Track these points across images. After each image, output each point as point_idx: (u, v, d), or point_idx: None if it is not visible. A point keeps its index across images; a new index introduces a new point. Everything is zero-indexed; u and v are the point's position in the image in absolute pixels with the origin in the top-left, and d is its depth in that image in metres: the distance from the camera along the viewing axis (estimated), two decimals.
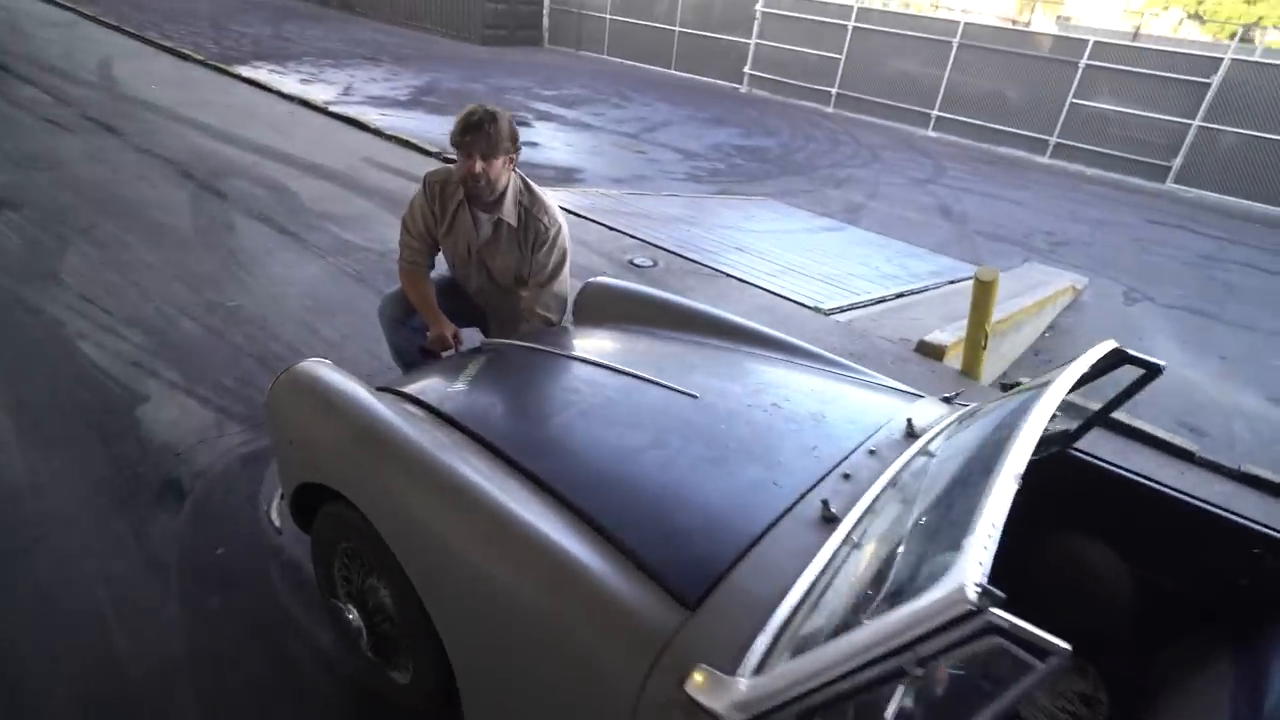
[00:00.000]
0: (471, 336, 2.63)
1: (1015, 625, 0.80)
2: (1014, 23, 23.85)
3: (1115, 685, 1.70)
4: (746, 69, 15.26)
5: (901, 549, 1.21)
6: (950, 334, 4.34)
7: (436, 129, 8.49)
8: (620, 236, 5.28)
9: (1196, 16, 28.78)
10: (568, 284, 2.54)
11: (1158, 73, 11.40)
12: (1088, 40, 11.89)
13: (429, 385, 1.90)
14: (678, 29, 15.99)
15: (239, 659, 1.89)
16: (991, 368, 4.41)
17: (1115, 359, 1.61)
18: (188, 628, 1.96)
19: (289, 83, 9.43)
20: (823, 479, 1.49)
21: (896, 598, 1.02)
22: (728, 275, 4.93)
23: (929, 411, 1.83)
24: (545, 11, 17.94)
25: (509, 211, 2.38)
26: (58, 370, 2.94)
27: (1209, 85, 11.01)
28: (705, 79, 15.95)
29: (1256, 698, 1.31)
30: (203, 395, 2.90)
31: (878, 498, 1.39)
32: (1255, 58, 11.15)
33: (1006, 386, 4.02)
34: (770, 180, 9.44)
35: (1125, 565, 1.71)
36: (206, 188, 5.03)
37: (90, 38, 10.38)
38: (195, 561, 2.17)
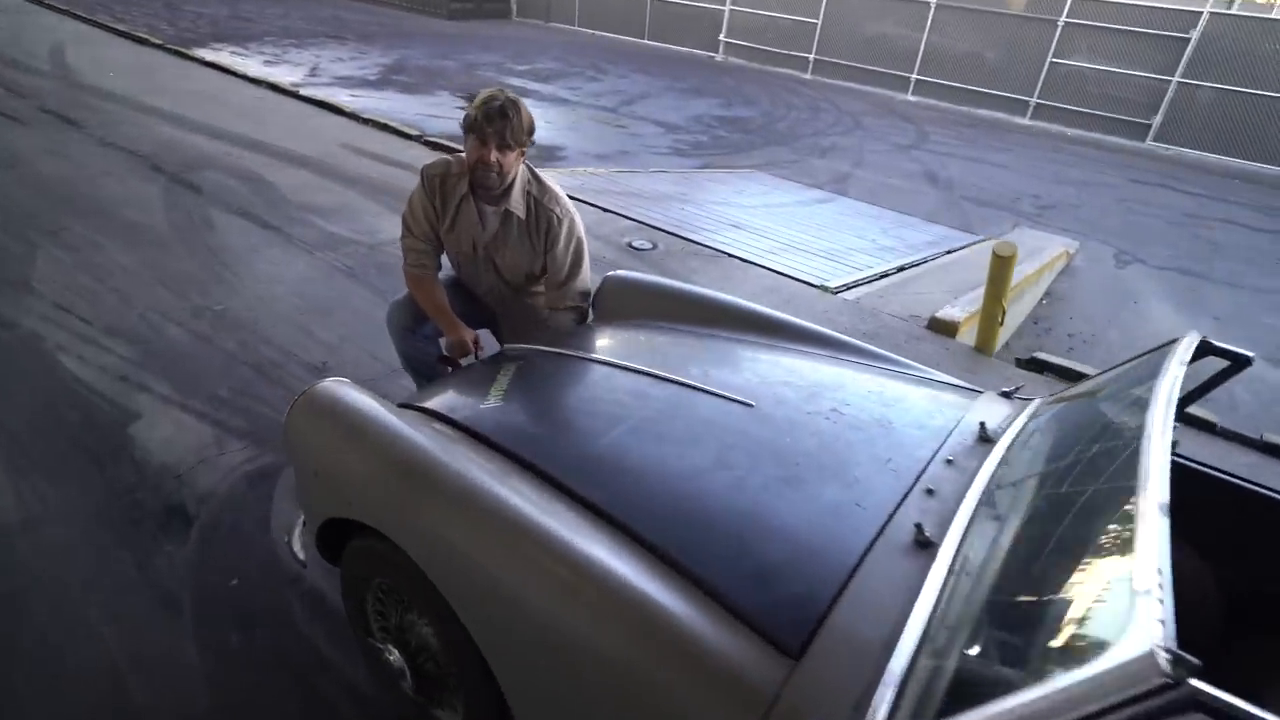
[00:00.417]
0: (484, 341, 2.49)
1: (1224, 701, 0.70)
2: None
3: None
4: (721, 37, 14.95)
5: (1017, 583, 1.11)
6: (961, 309, 4.26)
7: (410, 109, 8.20)
8: (615, 218, 5.12)
9: None
10: (589, 276, 2.40)
11: (1136, 29, 11.33)
12: None
13: (458, 401, 1.76)
14: None
15: (268, 703, 1.77)
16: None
17: (1201, 352, 1.51)
18: (208, 671, 1.83)
19: (253, 65, 9.03)
20: (906, 496, 1.38)
21: (1039, 649, 0.92)
22: (729, 255, 4.79)
23: (993, 411, 1.73)
24: None
25: (517, 203, 2.23)
26: (39, 388, 2.75)
27: (1188, 40, 10.97)
28: (680, 48, 15.62)
29: None
30: (198, 409, 2.73)
31: (972, 519, 1.29)
32: (1234, 10, 11.11)
33: (1022, 362, 3.96)
34: (754, 151, 9.28)
35: (1206, 564, 1.64)
36: (179, 181, 4.76)
37: (39, 23, 9.85)
38: (209, 595, 2.03)
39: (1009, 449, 1.50)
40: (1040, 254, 6.24)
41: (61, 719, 1.69)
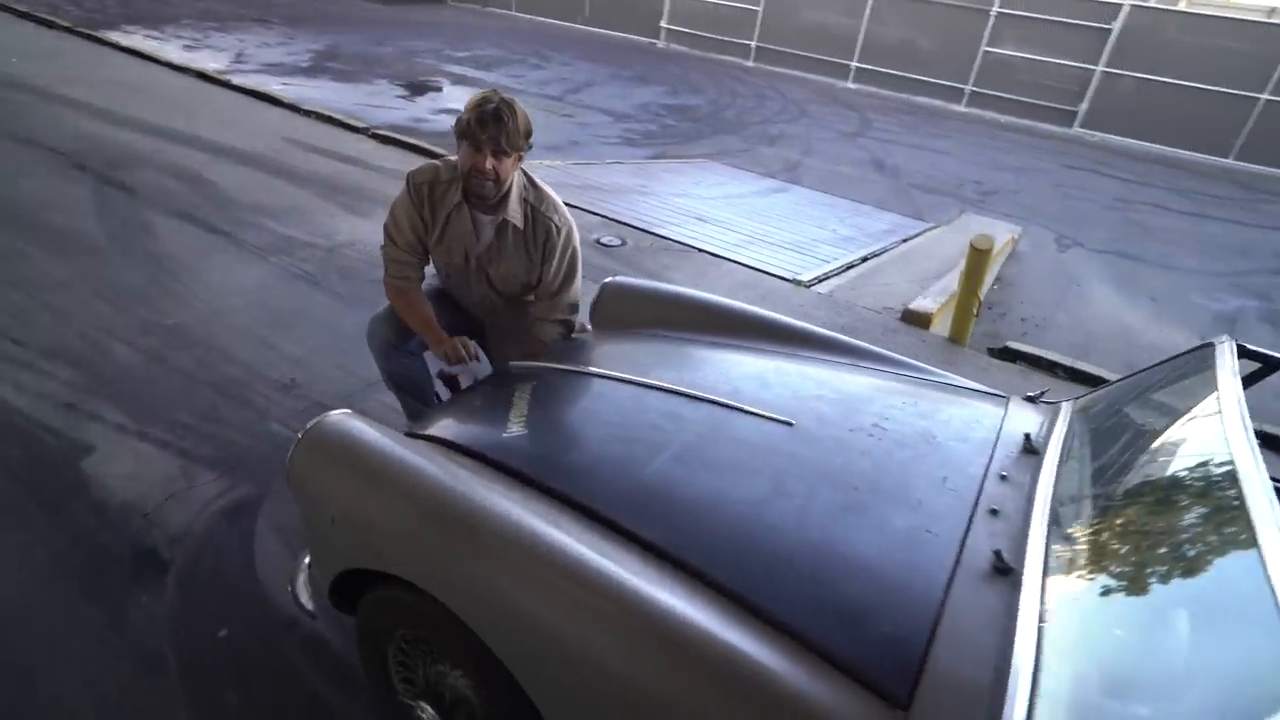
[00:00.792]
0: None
1: None
2: None
3: None
4: (663, 23, 14.83)
5: (1128, 618, 1.07)
6: (932, 300, 4.30)
7: (349, 99, 7.83)
8: (579, 213, 4.97)
9: None
10: (580, 287, 2.29)
11: (1063, 19, 11.73)
12: None
13: (477, 431, 1.63)
14: None
15: None
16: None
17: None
18: None
19: (170, 50, 8.45)
20: (972, 519, 1.33)
21: (1166, 697, 0.88)
22: (699, 250, 4.73)
23: (1027, 419, 1.71)
24: None
25: (514, 212, 2.10)
26: None
27: (1110, 31, 11.43)
28: (620, 34, 15.43)
29: None
30: (159, 438, 2.50)
31: (1047, 542, 1.25)
32: (1152, 3, 11.61)
33: (995, 352, 4.03)
34: (704, 140, 9.24)
35: None
36: (108, 181, 4.38)
37: None
38: (196, 649, 1.84)
39: (1060, 463, 1.47)
40: (997, 241, 6.39)
41: None
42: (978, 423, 1.67)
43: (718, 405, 1.65)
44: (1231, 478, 1.09)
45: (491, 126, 1.89)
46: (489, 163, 1.94)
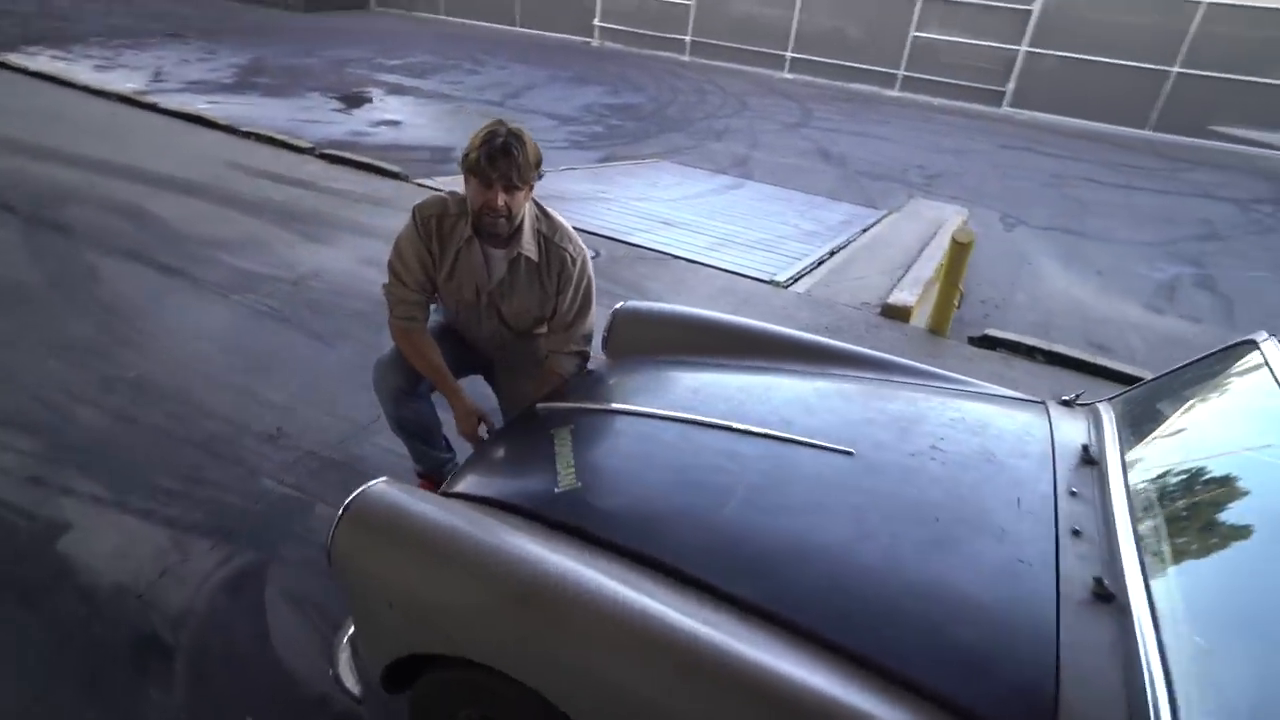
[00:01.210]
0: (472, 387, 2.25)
1: None
2: None
3: None
4: (596, 21, 14.70)
5: (1234, 633, 1.06)
6: (909, 293, 4.35)
7: (281, 115, 7.51)
8: None
9: None
10: (594, 318, 2.20)
11: (986, 2, 12.08)
12: None
13: (525, 487, 1.53)
14: None
15: None
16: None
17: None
18: None
19: (81, 71, 7.94)
20: (1058, 544, 1.31)
21: None
22: (673, 257, 4.67)
23: (1073, 426, 1.71)
24: None
25: (528, 245, 1.99)
26: None
27: (1030, 11, 11.82)
28: (554, 34, 15.23)
29: None
30: (141, 507, 2.31)
31: (1142, 563, 1.23)
32: None
33: (975, 340, 4.09)
34: (651, 139, 9.19)
35: None
36: (39, 222, 4.06)
37: None
38: None
39: (1124, 473, 1.47)
40: (945, 225, 6.53)
41: None
42: (1028, 435, 1.65)
43: (772, 439, 1.60)
44: None
45: (502, 162, 1.79)
46: (501, 199, 1.83)
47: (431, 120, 8.73)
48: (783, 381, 1.92)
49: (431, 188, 5.41)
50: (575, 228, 2.12)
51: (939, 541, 1.32)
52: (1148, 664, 1.06)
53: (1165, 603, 1.16)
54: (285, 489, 2.44)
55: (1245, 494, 1.31)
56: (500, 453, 1.74)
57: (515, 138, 1.81)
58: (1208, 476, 1.38)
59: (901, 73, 12.88)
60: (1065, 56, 11.82)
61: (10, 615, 1.94)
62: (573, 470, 1.55)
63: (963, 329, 4.37)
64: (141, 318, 3.28)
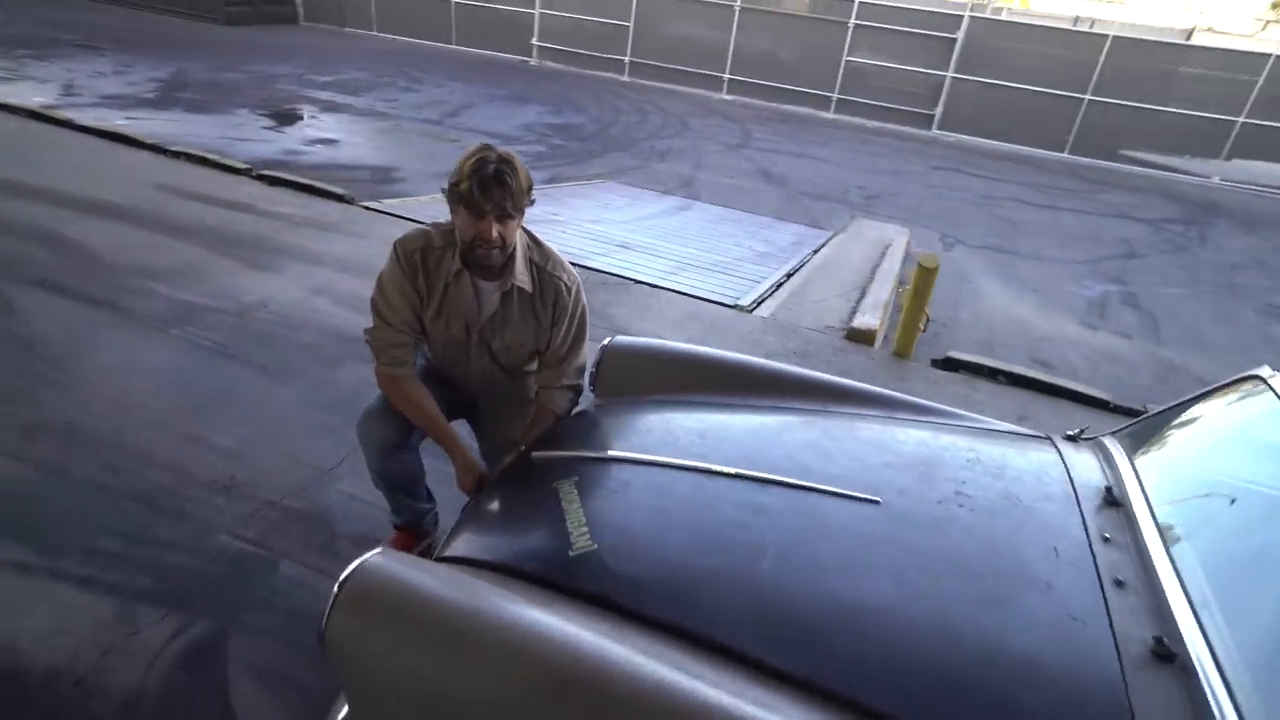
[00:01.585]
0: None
1: None
2: None
3: None
4: (534, 40, 14.63)
5: None
6: (872, 316, 4.39)
7: (209, 133, 7.14)
8: None
9: None
10: (587, 350, 2.10)
11: (914, 30, 12.58)
12: (854, 1, 12.77)
13: (534, 550, 1.41)
14: (454, 0, 14.90)
15: None
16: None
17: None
18: None
19: None
20: (1105, 597, 1.27)
21: None
22: (635, 281, 4.60)
23: (1084, 463, 1.70)
24: None
25: (522, 276, 1.88)
26: None
27: (955, 40, 12.36)
28: (491, 53, 15.08)
29: None
30: (77, 574, 2.06)
31: (1197, 617, 1.20)
32: (987, 15, 12.66)
33: (937, 362, 4.15)
34: (596, 160, 9.15)
35: None
36: None
37: None
38: None
39: (1151, 515, 1.45)
40: (894, 246, 6.69)
41: None
42: (1046, 475, 1.63)
43: (792, 488, 1.52)
44: None
45: (495, 190, 1.67)
46: (495, 230, 1.71)
47: (368, 139, 8.46)
48: (789, 422, 1.86)
49: (380, 210, 5.19)
50: None
51: (988, 600, 1.27)
52: None
53: (1229, 660, 1.13)
54: (243, 545, 2.22)
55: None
56: (500, 509, 1.61)
57: (507, 164, 1.70)
58: (1238, 517, 1.38)
59: (836, 95, 13.25)
60: (988, 83, 12.40)
61: None
62: (586, 530, 1.44)
63: (920, 350, 4.43)
64: (67, 357, 2.99)
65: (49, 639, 1.88)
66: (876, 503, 1.49)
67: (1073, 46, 12.11)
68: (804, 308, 4.63)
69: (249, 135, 7.50)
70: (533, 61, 14.84)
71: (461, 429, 2.07)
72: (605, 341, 2.17)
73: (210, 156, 5.66)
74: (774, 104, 13.68)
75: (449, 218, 1.82)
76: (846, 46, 12.93)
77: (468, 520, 1.58)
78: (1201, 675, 1.11)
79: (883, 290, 4.95)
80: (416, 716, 1.19)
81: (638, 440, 1.77)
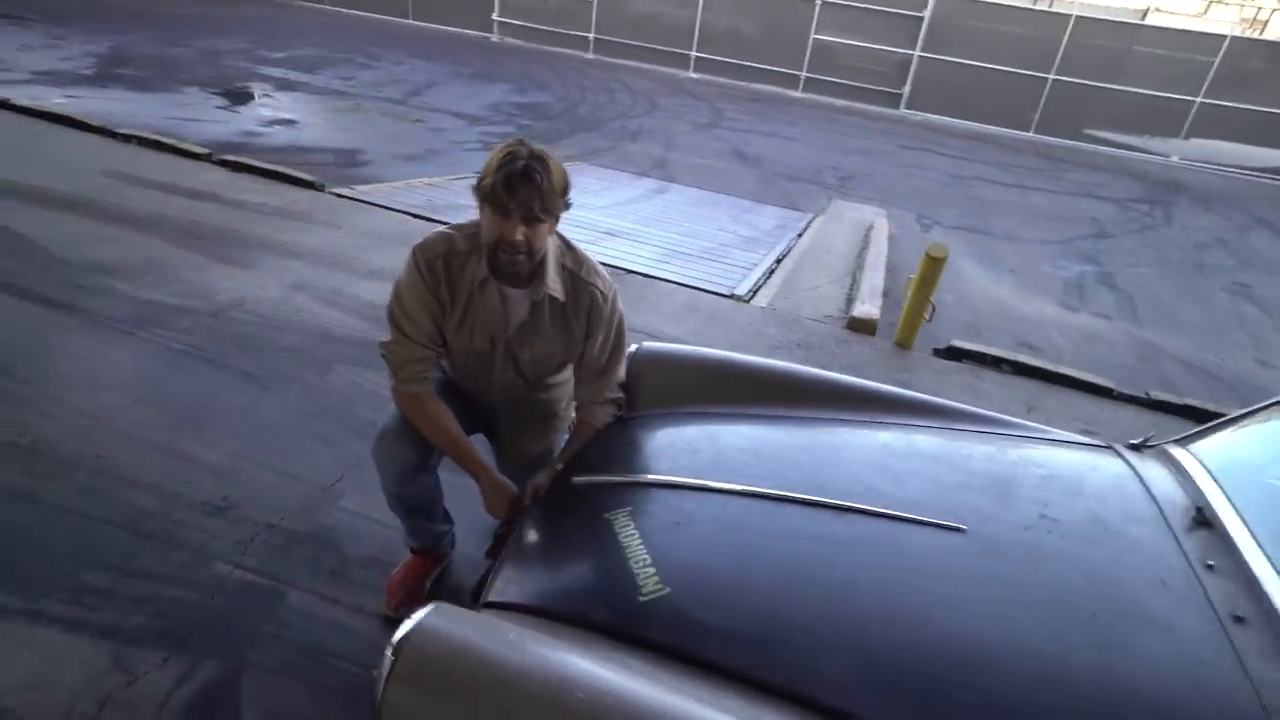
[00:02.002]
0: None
1: None
2: None
3: None
4: (495, 16, 14.18)
5: None
6: (872, 305, 4.33)
7: (155, 112, 6.72)
8: None
9: None
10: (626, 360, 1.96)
11: (881, 7, 12.53)
12: None
13: (596, 594, 1.28)
14: None
15: None
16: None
17: None
18: None
19: None
20: (1230, 637, 1.19)
21: None
22: (627, 271, 4.45)
23: (1158, 476, 1.62)
24: None
25: (553, 284, 1.73)
26: None
27: (922, 18, 12.35)
28: (451, 29, 14.59)
29: None
30: (63, 615, 1.86)
31: None
32: None
33: (940, 352, 4.11)
34: (566, 140, 8.92)
35: None
36: None
37: None
38: None
39: (1257, 542, 1.37)
40: (878, 229, 6.65)
41: None
42: (1124, 492, 1.56)
43: (870, 515, 1.42)
44: None
45: (522, 189, 1.51)
46: (520, 233, 1.55)
47: (329, 120, 8.09)
48: (844, 437, 1.75)
49: (352, 198, 4.92)
50: None
51: (1108, 645, 1.18)
52: None
53: None
54: (245, 574, 2.05)
55: None
56: (549, 545, 1.47)
57: (538, 160, 1.53)
58: None
59: (804, 74, 13.18)
60: (955, 62, 12.43)
61: None
62: (653, 570, 1.31)
63: (917, 338, 4.39)
64: (25, 365, 2.72)
65: (36, 692, 1.69)
66: (962, 531, 1.39)
67: (1037, 25, 12.22)
68: (800, 296, 4.55)
69: (201, 115, 7.08)
70: (494, 38, 14.40)
71: (477, 443, 1.92)
72: (633, 348, 2.03)
73: (165, 140, 5.29)
74: (742, 82, 13.53)
75: (472, 216, 1.67)
76: (814, 24, 12.83)
77: (515, 559, 1.44)
78: None
79: (877, 277, 4.90)
80: None
81: (686, 462, 1.64)
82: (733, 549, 1.38)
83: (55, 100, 6.41)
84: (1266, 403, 1.68)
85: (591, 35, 13.87)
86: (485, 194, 1.54)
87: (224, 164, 5.16)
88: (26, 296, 3.15)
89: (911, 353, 4.03)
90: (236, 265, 3.71)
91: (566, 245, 1.79)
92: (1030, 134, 12.45)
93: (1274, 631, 1.19)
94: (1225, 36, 11.31)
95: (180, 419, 2.58)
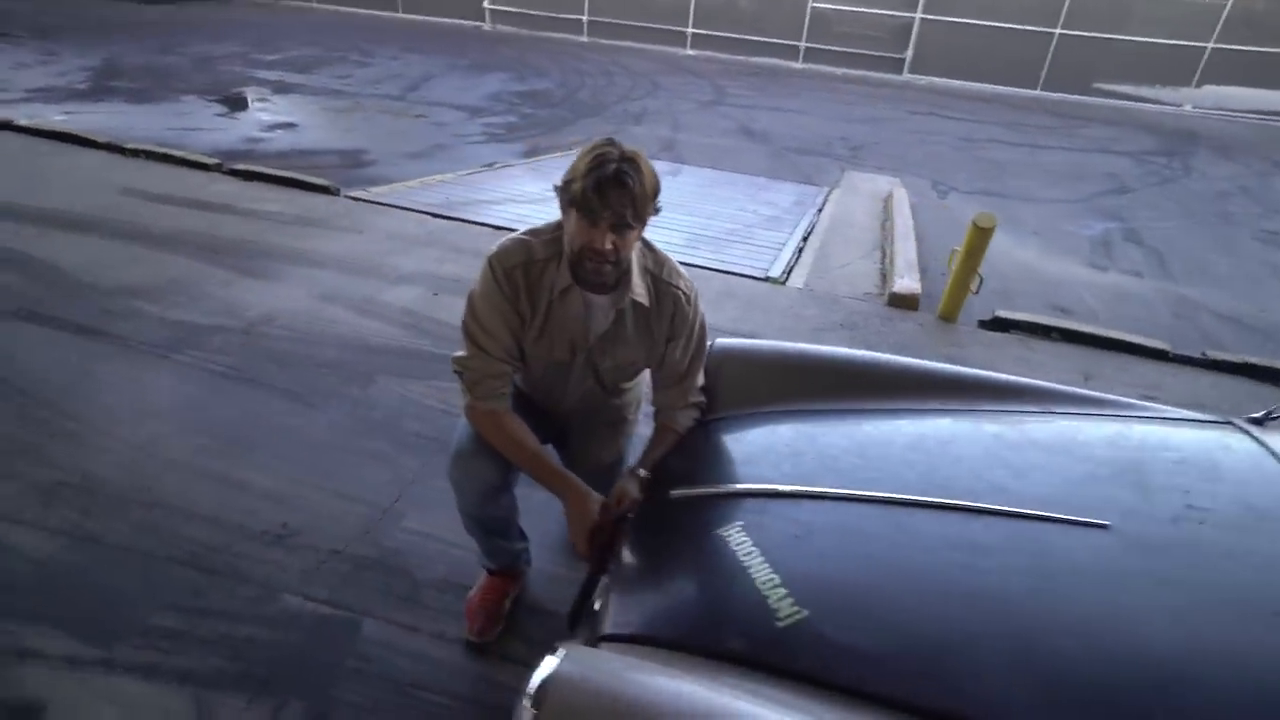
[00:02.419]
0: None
1: None
2: None
3: None
4: (486, 4, 13.95)
5: None
6: (911, 280, 4.22)
7: (156, 124, 6.60)
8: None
9: None
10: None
11: None
12: None
13: (726, 622, 1.19)
14: None
15: None
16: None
17: None
18: None
19: None
20: None
21: None
22: None
23: None
24: None
25: (639, 290, 1.63)
26: None
27: None
28: (441, 19, 14.36)
29: None
30: (139, 661, 1.79)
31: None
32: None
33: (986, 323, 4.00)
34: (570, 126, 8.76)
35: None
36: None
37: None
38: None
39: None
40: (897, 199, 6.51)
41: None
42: (1263, 472, 1.46)
43: (1005, 515, 1.33)
44: None
45: (613, 195, 1.40)
46: (609, 241, 1.45)
47: (330, 120, 7.95)
48: (950, 431, 1.66)
49: (369, 200, 4.81)
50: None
51: None
52: None
53: None
54: (316, 605, 1.97)
55: None
56: (659, 567, 1.38)
57: (630, 163, 1.43)
58: None
59: (804, 45, 12.94)
60: (958, 22, 12.18)
61: None
62: (785, 592, 1.22)
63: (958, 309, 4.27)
64: (67, 398, 2.64)
65: None
66: (1105, 528, 1.30)
67: None
68: (834, 274, 4.44)
69: (201, 124, 6.96)
70: (486, 26, 14.18)
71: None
72: (710, 345, 1.94)
73: (174, 153, 5.17)
74: (741, 57, 13.30)
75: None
76: None
77: (626, 585, 1.35)
78: None
79: (910, 250, 4.78)
80: None
81: (789, 467, 1.55)
82: (864, 561, 1.30)
83: (55, 118, 6.29)
84: None
85: (585, 18, 13.63)
86: (573, 199, 1.44)
87: (235, 173, 5.04)
88: (56, 325, 3.06)
89: (957, 326, 3.92)
90: (262, 278, 3.61)
91: (647, 245, 1.69)
92: (1038, 91, 12.22)
93: None
94: None
95: (228, 444, 2.50)
